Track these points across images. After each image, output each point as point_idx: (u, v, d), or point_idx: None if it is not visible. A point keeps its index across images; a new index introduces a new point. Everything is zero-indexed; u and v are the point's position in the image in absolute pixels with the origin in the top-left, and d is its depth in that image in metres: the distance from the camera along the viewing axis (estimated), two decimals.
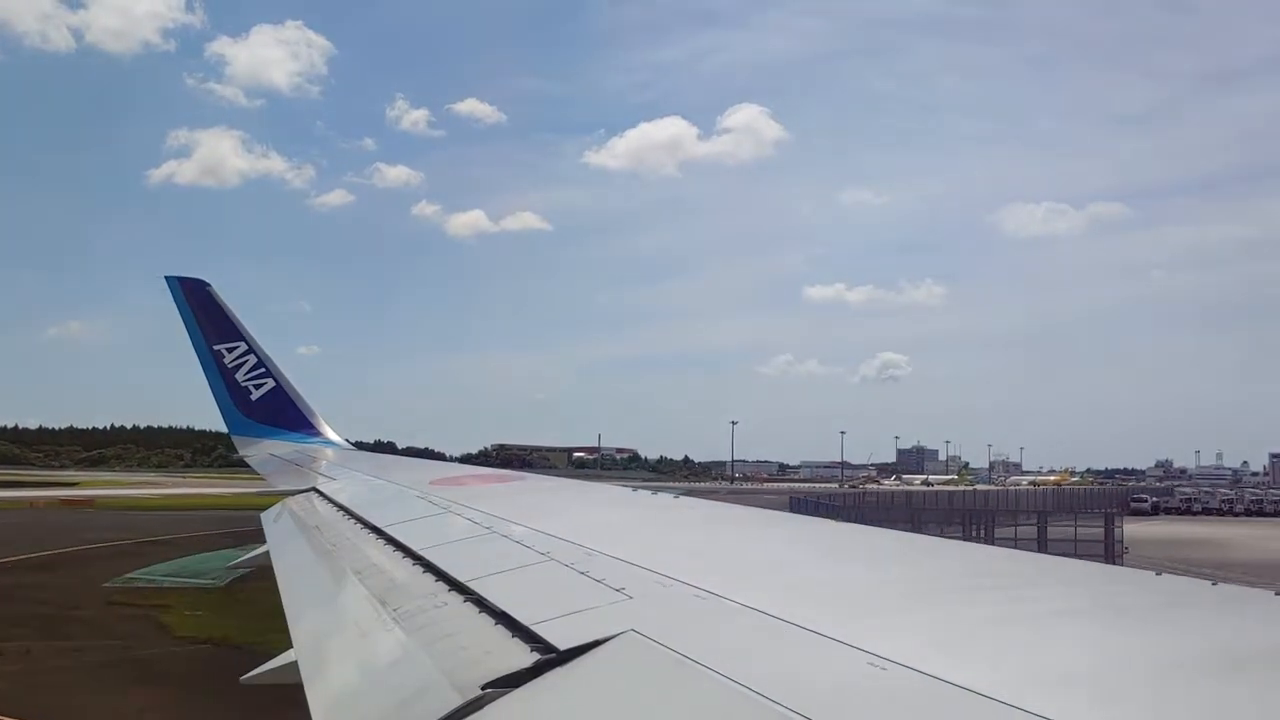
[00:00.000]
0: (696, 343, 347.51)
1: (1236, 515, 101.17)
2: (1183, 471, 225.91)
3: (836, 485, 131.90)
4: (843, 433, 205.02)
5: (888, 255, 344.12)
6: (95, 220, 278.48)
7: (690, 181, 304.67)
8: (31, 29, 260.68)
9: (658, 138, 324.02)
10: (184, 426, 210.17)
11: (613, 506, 7.78)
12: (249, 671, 5.57)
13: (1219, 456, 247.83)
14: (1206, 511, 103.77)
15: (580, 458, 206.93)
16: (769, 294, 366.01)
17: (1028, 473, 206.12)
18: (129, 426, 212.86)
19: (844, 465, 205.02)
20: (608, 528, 5.90)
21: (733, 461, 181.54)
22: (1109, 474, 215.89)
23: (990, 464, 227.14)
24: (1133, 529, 71.97)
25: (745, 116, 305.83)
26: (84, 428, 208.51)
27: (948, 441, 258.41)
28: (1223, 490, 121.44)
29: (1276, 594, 3.36)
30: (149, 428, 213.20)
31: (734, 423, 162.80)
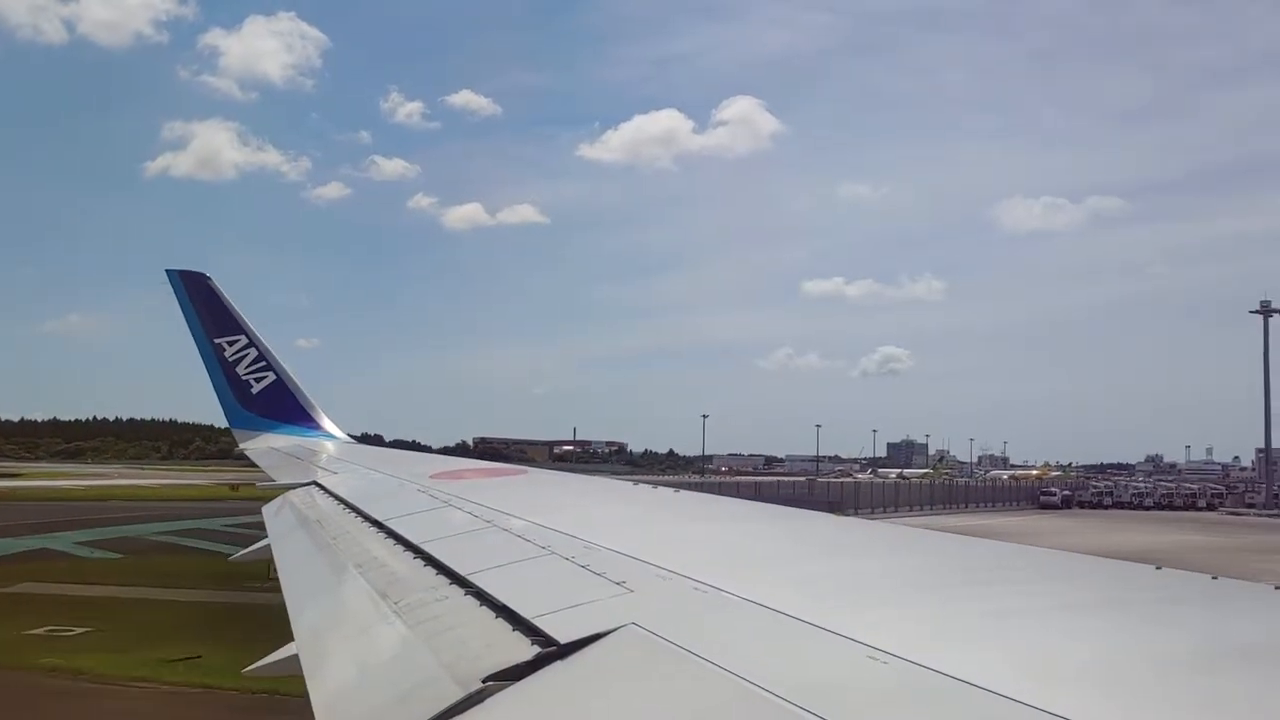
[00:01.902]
0: (695, 336, 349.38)
1: (1146, 509, 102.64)
2: (1172, 466, 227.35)
3: (803, 479, 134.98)
4: (818, 426, 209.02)
5: (887, 249, 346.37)
6: (90, 213, 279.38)
7: (687, 175, 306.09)
8: (24, 21, 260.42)
9: (653, 130, 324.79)
10: (166, 419, 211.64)
11: (614, 500, 7.78)
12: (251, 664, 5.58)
13: (1209, 451, 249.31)
14: (1118, 505, 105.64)
15: (568, 450, 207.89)
16: (767, 288, 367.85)
17: (1016, 467, 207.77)
18: (111, 419, 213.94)
19: (820, 459, 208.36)
20: (608, 521, 5.90)
21: (704, 455, 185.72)
22: (1101, 468, 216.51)
23: (978, 458, 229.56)
24: (988, 521, 72.98)
25: (741, 109, 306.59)
26: (67, 420, 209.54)
27: (928, 436, 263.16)
28: (1135, 485, 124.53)
29: (1276, 588, 3.36)
30: (131, 420, 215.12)
31: (705, 416, 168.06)
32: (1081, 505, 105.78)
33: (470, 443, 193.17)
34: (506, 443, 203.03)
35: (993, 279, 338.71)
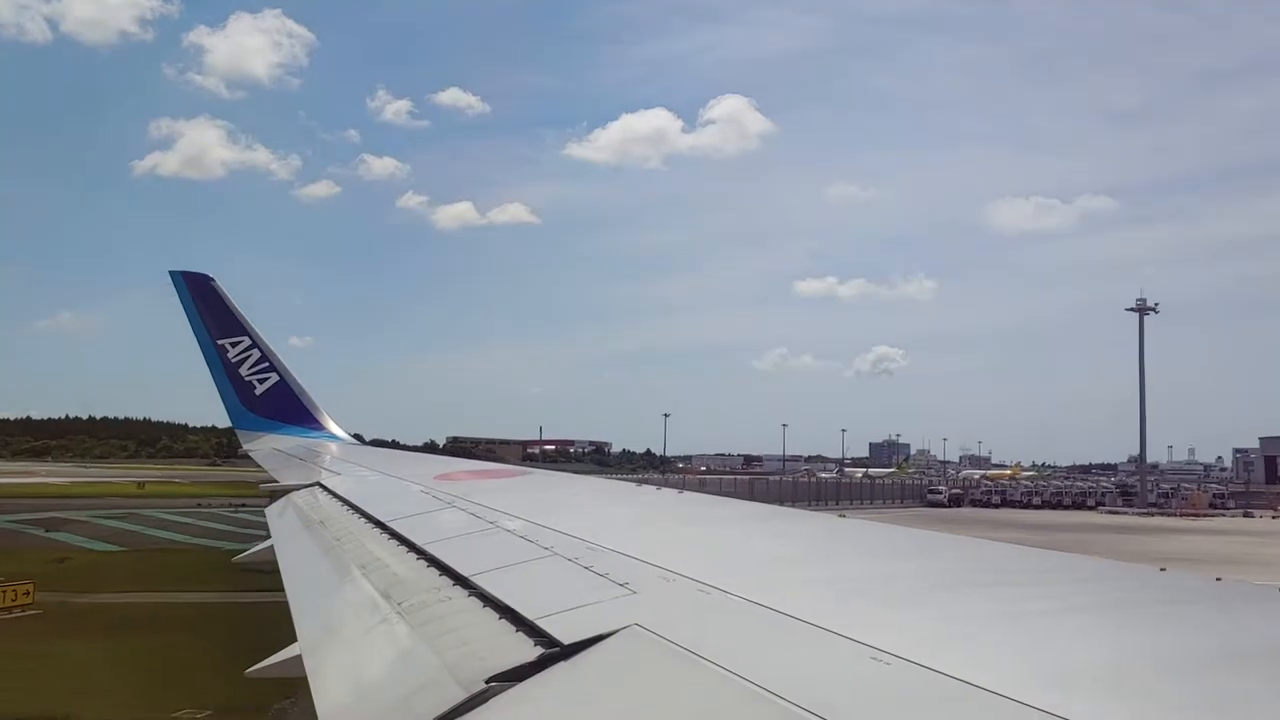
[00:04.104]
0: (688, 337, 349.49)
1: (1035, 508, 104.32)
2: (1154, 466, 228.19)
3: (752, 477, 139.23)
4: (784, 425, 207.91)
5: (878, 249, 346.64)
6: (78, 212, 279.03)
7: (676, 174, 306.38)
8: (7, 20, 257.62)
9: (642, 130, 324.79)
10: (141, 418, 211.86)
11: (617, 501, 7.79)
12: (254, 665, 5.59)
13: (1191, 452, 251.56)
14: (1008, 503, 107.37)
15: (548, 450, 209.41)
16: (760, 287, 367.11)
17: (993, 466, 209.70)
18: (85, 418, 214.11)
19: (808, 459, 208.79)
20: (612, 522, 5.90)
21: (664, 454, 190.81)
22: (1086, 469, 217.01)
23: (958, 458, 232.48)
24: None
25: (729, 107, 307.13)
26: (40, 418, 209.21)
27: (897, 435, 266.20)
28: (1026, 484, 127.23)
29: None
30: (105, 419, 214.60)
31: (666, 415, 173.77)
32: (974, 503, 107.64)
33: (441, 441, 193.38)
34: (477, 441, 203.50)
35: (985, 279, 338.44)
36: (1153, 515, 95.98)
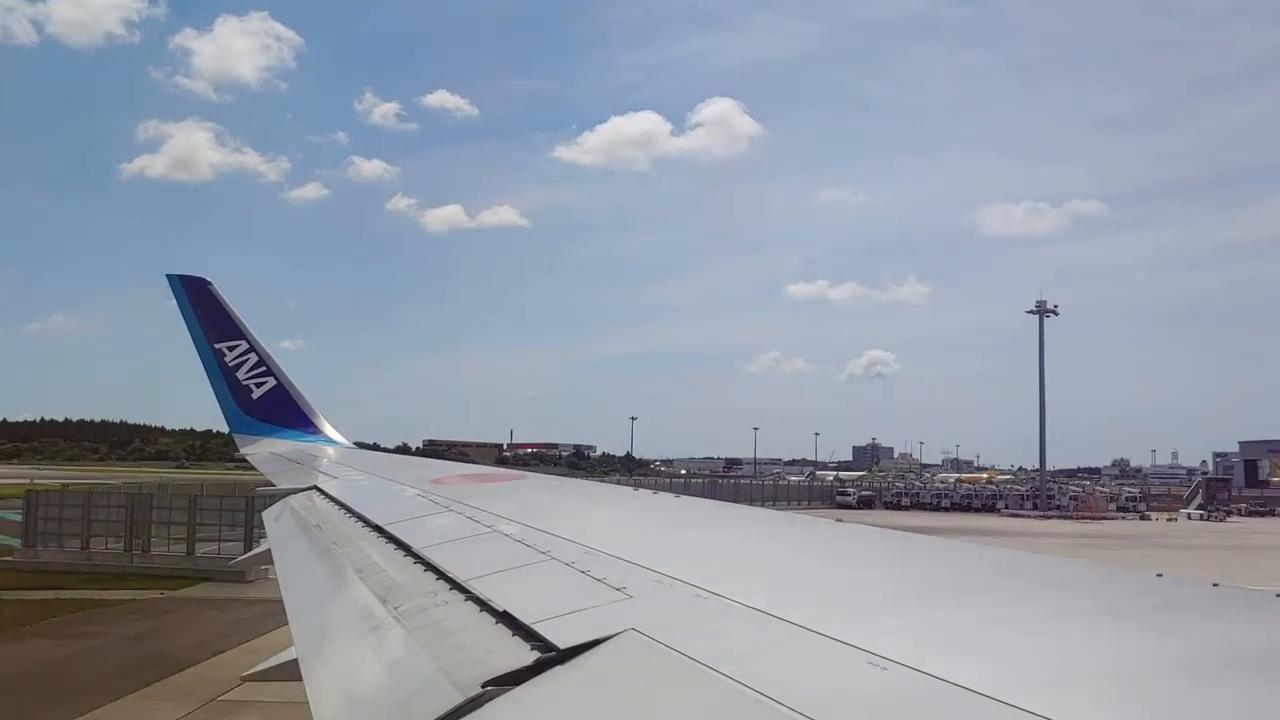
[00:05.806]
0: (680, 340, 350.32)
1: (944, 510, 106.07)
2: (1138, 470, 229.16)
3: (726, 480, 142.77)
4: (755, 429, 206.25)
5: (869, 253, 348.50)
6: (65, 215, 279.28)
7: (665, 178, 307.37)
8: None
9: (630, 132, 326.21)
10: (117, 420, 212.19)
11: (614, 505, 7.78)
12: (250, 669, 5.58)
13: (1174, 456, 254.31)
14: (918, 505, 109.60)
15: (523, 454, 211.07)
16: (751, 291, 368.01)
17: (974, 470, 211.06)
18: (61, 420, 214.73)
19: (790, 463, 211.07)
20: (609, 526, 5.90)
21: (634, 457, 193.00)
22: (1071, 473, 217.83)
23: (942, 460, 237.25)
24: None
25: (719, 110, 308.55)
26: (16, 420, 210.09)
27: (874, 439, 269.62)
28: (937, 486, 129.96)
29: (1277, 595, 3.36)
30: (81, 421, 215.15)
31: (634, 418, 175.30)
32: (886, 505, 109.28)
33: (416, 445, 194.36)
34: (452, 444, 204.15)
35: (976, 283, 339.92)
36: (1049, 518, 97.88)
